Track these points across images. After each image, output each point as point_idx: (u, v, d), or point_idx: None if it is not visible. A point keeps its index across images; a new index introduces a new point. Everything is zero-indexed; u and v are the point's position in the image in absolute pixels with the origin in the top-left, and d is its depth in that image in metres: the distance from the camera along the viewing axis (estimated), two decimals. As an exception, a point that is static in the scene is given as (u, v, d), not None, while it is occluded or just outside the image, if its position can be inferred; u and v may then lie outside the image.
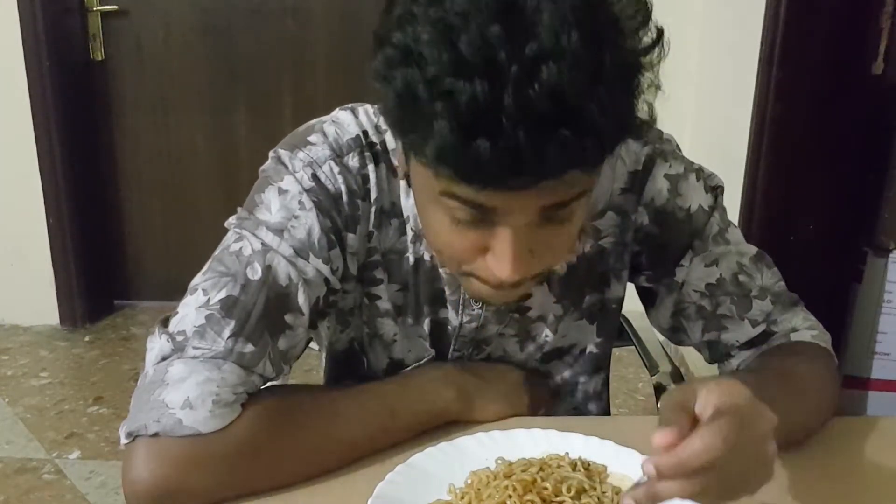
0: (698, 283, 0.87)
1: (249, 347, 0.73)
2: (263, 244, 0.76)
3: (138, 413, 0.70)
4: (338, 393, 0.79)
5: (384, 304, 0.85)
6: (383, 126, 0.80)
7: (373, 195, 0.80)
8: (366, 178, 0.79)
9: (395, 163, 0.79)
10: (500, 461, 0.75)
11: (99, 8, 2.67)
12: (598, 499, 0.68)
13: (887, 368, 1.37)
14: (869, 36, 1.40)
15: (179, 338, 0.73)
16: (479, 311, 0.86)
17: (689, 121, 2.37)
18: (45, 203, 2.72)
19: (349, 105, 0.83)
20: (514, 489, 0.69)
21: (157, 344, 0.74)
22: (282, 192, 0.78)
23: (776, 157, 1.53)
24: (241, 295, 0.74)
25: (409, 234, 0.82)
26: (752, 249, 0.89)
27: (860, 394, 1.37)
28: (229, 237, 0.78)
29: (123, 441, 0.70)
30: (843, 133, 1.46)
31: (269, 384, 0.76)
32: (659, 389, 1.10)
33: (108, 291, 2.99)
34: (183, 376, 0.70)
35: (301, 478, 0.73)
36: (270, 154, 0.81)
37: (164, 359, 0.72)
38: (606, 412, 1.13)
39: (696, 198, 0.86)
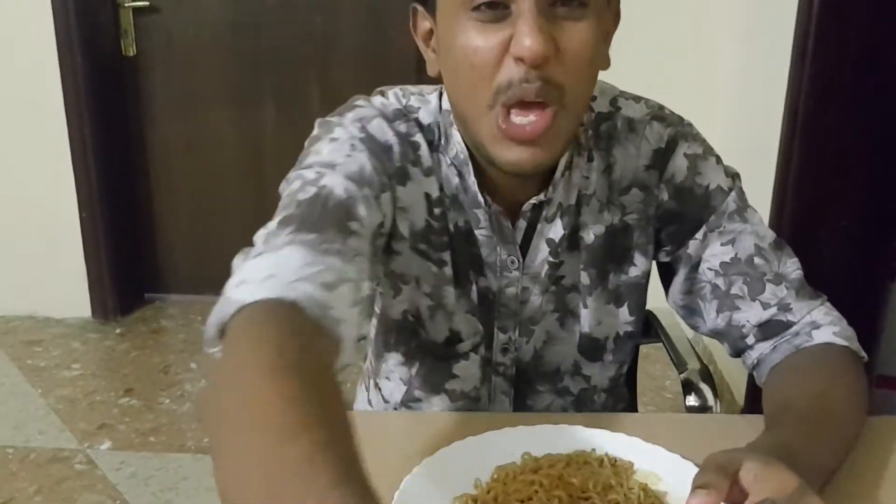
0: (713, 261, 0.88)
1: (311, 236, 0.68)
2: (317, 172, 0.77)
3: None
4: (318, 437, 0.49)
5: (449, 271, 0.88)
6: (414, 105, 0.87)
7: (425, 162, 0.85)
8: (415, 146, 0.85)
9: (428, 68, 0.83)
10: (526, 456, 0.75)
11: (131, 4, 2.70)
12: (625, 495, 0.68)
13: (921, 367, 1.35)
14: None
15: (244, 254, 0.69)
16: (517, 272, 0.88)
17: (721, 114, 2.34)
18: (77, 197, 2.76)
19: (379, 89, 0.90)
20: (541, 484, 0.68)
21: (233, 264, 0.68)
22: (332, 140, 0.81)
23: (808, 151, 1.51)
24: (298, 209, 0.72)
25: (446, 201, 0.86)
26: (772, 235, 0.89)
27: (893, 393, 1.35)
28: (283, 192, 0.78)
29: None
30: (876, 127, 1.44)
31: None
32: (687, 386, 1.09)
33: (139, 284, 3.03)
34: (242, 266, 0.65)
35: None
36: (315, 124, 0.86)
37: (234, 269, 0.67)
38: (633, 409, 1.12)
39: (714, 178, 0.89)
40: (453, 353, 0.91)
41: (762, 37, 2.11)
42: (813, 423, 0.73)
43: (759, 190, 0.92)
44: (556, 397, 0.96)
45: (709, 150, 0.90)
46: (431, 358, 0.92)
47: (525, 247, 0.88)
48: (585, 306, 0.91)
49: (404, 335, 0.92)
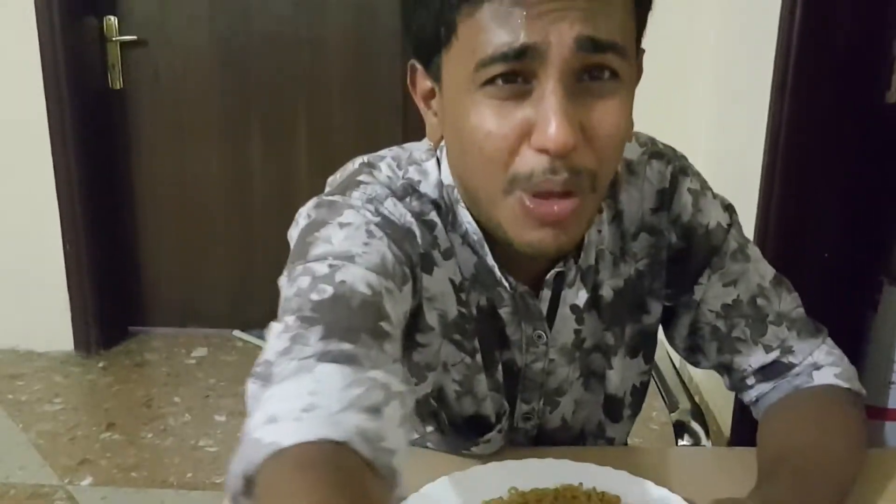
0: (714, 303, 0.86)
1: (345, 346, 0.58)
2: (330, 265, 0.65)
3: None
4: None
5: (480, 359, 0.81)
6: (414, 177, 0.78)
7: (442, 244, 0.77)
8: (430, 226, 0.76)
9: (428, 132, 0.74)
10: (512, 491, 0.74)
11: (118, 38, 2.71)
12: (613, 530, 0.68)
13: (905, 398, 1.35)
14: (882, 64, 1.40)
15: (262, 368, 0.58)
16: (544, 346, 0.83)
17: (702, 147, 2.37)
18: (61, 228, 2.74)
19: (366, 161, 0.80)
20: (528, 519, 0.68)
21: (248, 393, 0.58)
22: (343, 225, 0.70)
23: (790, 185, 1.53)
24: (318, 312, 0.61)
25: (466, 282, 0.79)
26: (772, 271, 0.87)
27: (877, 424, 1.36)
28: (284, 289, 0.67)
29: None
30: (857, 162, 1.46)
31: None
32: (679, 427, 1.07)
33: (122, 317, 3.00)
34: (268, 396, 0.55)
35: None
36: (311, 204, 0.75)
37: (255, 399, 0.57)
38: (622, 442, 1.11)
39: (713, 214, 0.85)
40: (476, 434, 0.84)
41: (741, 71, 2.15)
42: (808, 477, 0.72)
43: (742, 225, 0.93)
44: None
45: (704, 184, 0.87)
46: (451, 435, 0.85)
47: (550, 317, 0.82)
48: (611, 367, 0.87)
49: (422, 415, 0.85)
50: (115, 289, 2.93)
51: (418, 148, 0.81)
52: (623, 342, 0.87)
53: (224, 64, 2.77)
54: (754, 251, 0.88)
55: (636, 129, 0.89)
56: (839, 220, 1.49)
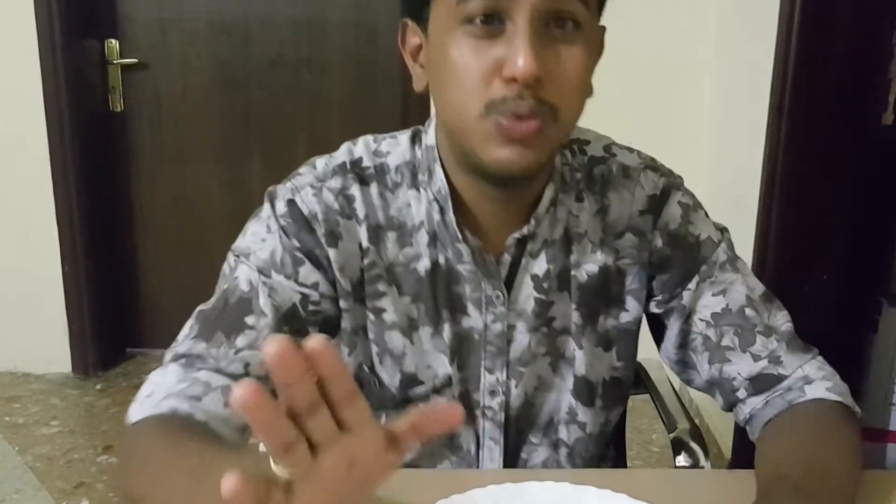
0: (704, 312, 0.88)
1: (200, 346, 0.80)
2: (235, 260, 0.85)
3: None
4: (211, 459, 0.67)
5: (390, 317, 0.87)
6: (384, 149, 0.88)
7: (360, 212, 0.85)
8: (350, 198, 0.85)
9: (415, 83, 0.83)
10: (512, 514, 0.74)
11: (119, 61, 2.73)
12: (613, 554, 0.67)
13: (906, 420, 1.35)
14: (878, 86, 1.41)
15: (170, 348, 0.84)
16: (503, 308, 0.87)
17: (701, 171, 2.38)
18: (60, 250, 2.74)
19: (348, 141, 0.90)
20: (527, 543, 0.68)
21: None
22: (257, 220, 0.86)
23: (788, 207, 1.54)
24: (209, 307, 0.84)
25: (424, 238, 0.86)
26: (762, 287, 0.90)
27: (878, 446, 1.35)
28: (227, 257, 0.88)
29: None
30: (855, 183, 1.47)
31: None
32: (677, 446, 1.07)
33: (120, 339, 2.99)
34: (150, 377, 0.82)
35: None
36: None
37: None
38: (621, 464, 1.11)
39: (705, 229, 0.90)
40: (407, 397, 0.89)
41: (739, 94, 2.16)
42: (808, 496, 0.72)
43: (740, 247, 0.93)
44: (551, 451, 0.93)
45: (698, 204, 0.92)
46: (390, 408, 0.90)
47: (510, 283, 0.87)
48: (581, 347, 0.90)
49: (365, 389, 0.90)
50: (114, 310, 2.93)
51: (403, 131, 0.90)
52: (594, 328, 0.90)
53: (224, 86, 2.79)
54: (744, 267, 0.91)
55: (636, 146, 0.93)
56: (838, 241, 1.50)
